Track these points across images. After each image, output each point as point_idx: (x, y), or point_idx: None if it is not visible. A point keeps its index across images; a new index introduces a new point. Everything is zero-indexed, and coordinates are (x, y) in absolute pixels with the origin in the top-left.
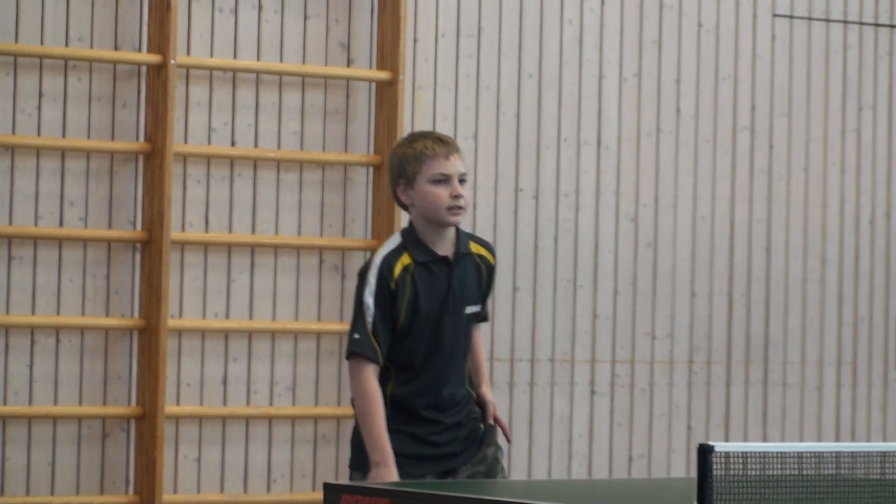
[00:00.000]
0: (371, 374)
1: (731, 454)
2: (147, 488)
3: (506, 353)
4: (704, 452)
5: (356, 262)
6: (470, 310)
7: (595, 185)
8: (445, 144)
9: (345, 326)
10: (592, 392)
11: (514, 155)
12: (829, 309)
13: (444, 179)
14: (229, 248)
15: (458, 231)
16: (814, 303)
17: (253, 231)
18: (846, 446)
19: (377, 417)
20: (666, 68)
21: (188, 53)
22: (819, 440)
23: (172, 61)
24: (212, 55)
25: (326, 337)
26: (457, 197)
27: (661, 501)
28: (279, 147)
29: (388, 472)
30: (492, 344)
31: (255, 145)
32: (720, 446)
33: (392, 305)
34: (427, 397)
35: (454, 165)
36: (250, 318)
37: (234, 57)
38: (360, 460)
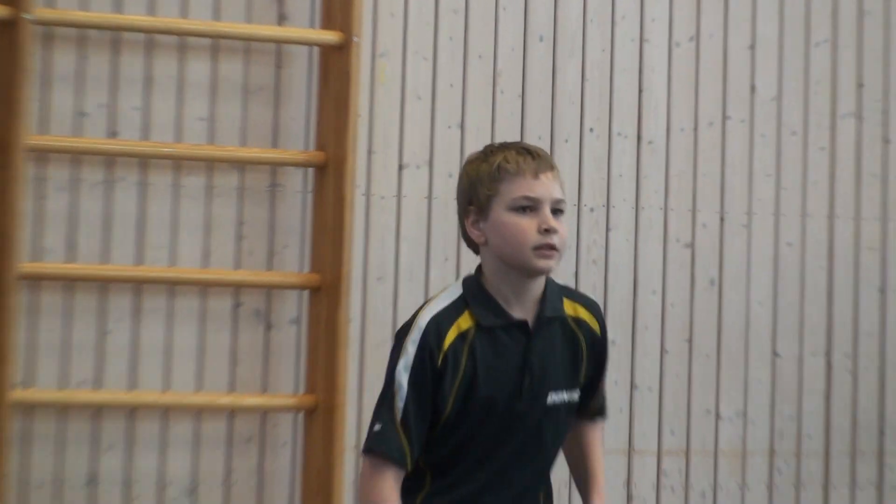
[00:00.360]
0: (392, 482)
1: None
2: None
3: None
4: None
5: (287, 308)
6: (556, 398)
7: (634, 193)
8: (535, 158)
9: (271, 401)
10: (629, 497)
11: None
12: None
13: (531, 206)
14: (104, 286)
15: (548, 283)
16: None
17: (138, 261)
18: None
19: None
20: (735, 29)
21: (51, 5)
22: None
23: (27, 15)
24: (84, 8)
25: (242, 417)
26: (548, 231)
27: None
28: (178, 139)
29: None
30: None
31: (144, 137)
32: None
33: (437, 388)
34: None
35: (546, 188)
36: (133, 387)
37: (116, 11)
38: None
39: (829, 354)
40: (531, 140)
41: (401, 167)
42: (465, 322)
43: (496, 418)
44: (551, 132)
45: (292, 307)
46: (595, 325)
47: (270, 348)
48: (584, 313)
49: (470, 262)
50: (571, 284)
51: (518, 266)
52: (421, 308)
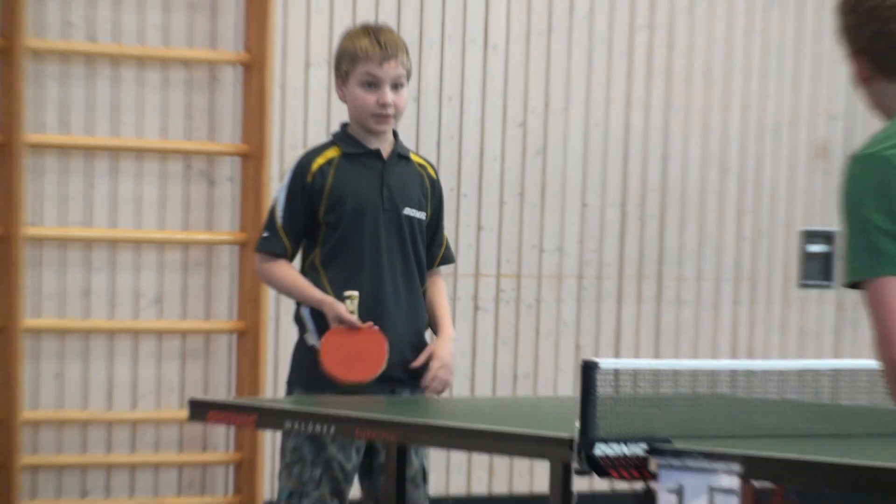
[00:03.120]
0: (280, 263)
1: (620, 371)
2: (6, 405)
3: None
4: (588, 369)
5: (225, 169)
6: (410, 212)
7: (481, 87)
8: (384, 48)
9: (213, 237)
10: (476, 308)
11: None
12: (728, 222)
13: (373, 83)
14: (89, 152)
15: (397, 137)
16: (712, 215)
17: (115, 133)
18: (742, 364)
19: (300, 283)
20: None
21: None
22: (714, 359)
23: None
24: None
25: (194, 248)
26: (384, 105)
27: (544, 420)
28: (141, 43)
29: (332, 307)
30: None
31: (116, 41)
32: (605, 363)
33: (307, 199)
34: (366, 304)
35: (387, 71)
36: (113, 226)
37: None
38: (298, 376)
39: (624, 205)
40: (407, 44)
41: (308, 64)
42: (332, 153)
43: (367, 223)
44: (420, 39)
45: (228, 169)
46: (433, 173)
47: (213, 200)
48: (426, 163)
49: None
50: (435, 154)
51: (362, 125)
52: None
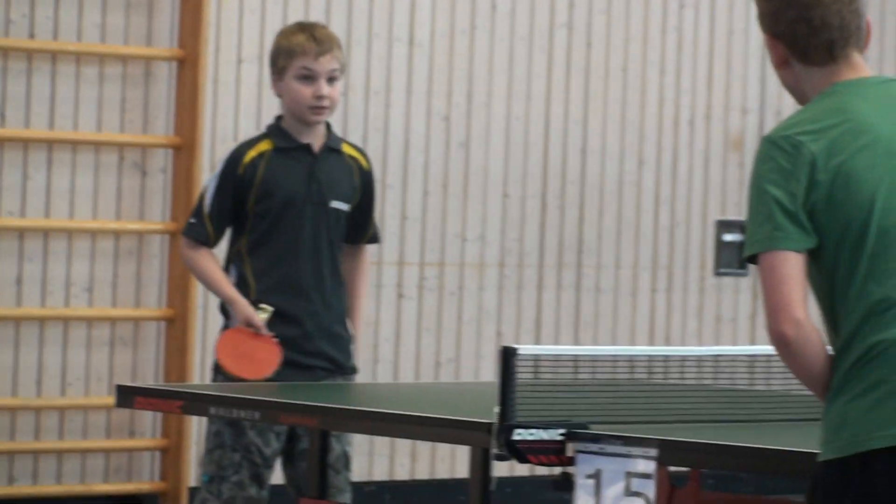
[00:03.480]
0: (202, 253)
1: (540, 358)
2: None
3: None
4: (507, 355)
5: (157, 160)
6: (338, 205)
7: (406, 82)
8: (319, 43)
9: (144, 226)
10: (400, 295)
11: None
12: (645, 212)
13: (310, 76)
14: (26, 144)
15: (329, 128)
16: (630, 205)
17: (51, 126)
18: (659, 351)
19: (217, 277)
20: None
21: None
22: (633, 346)
23: None
24: None
25: (125, 237)
26: (320, 97)
27: (465, 406)
28: (79, 40)
29: (243, 309)
30: None
31: (55, 38)
32: (523, 349)
33: (237, 190)
34: (288, 294)
35: (323, 65)
36: (46, 216)
37: None
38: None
39: (544, 196)
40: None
41: (240, 61)
42: (264, 146)
43: (294, 213)
44: (348, 35)
45: (161, 160)
46: (364, 163)
47: (145, 190)
48: (357, 154)
49: None
50: (364, 146)
51: (298, 118)
52: None
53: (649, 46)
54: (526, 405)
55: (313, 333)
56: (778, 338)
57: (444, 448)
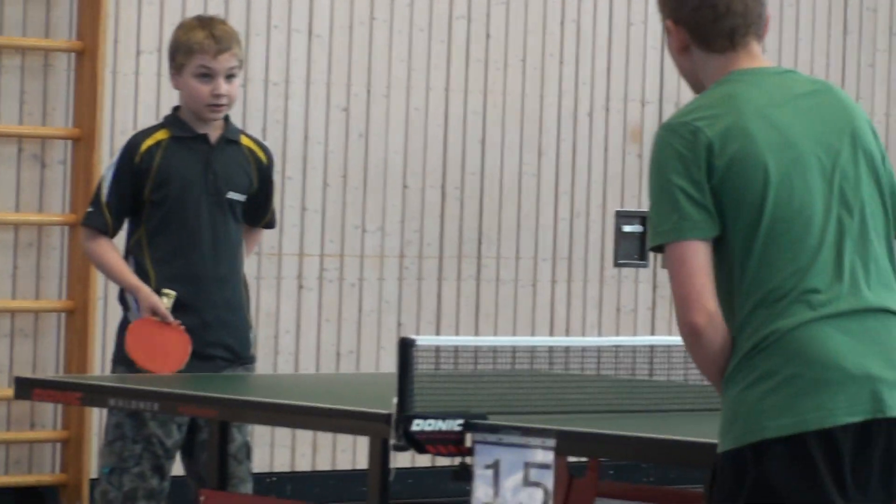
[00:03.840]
0: (102, 242)
1: (439, 349)
2: None
3: None
4: (405, 346)
5: (57, 152)
6: (234, 196)
7: (306, 73)
8: (218, 41)
9: (44, 218)
10: (300, 287)
11: None
12: (544, 203)
13: (208, 74)
14: None
15: (228, 120)
16: (529, 197)
17: None
18: (559, 341)
19: (119, 266)
20: None
21: None
22: (533, 336)
23: None
24: None
25: (25, 228)
26: (218, 96)
27: (365, 397)
28: None
29: (147, 296)
30: None
31: None
32: (421, 340)
33: (134, 179)
34: (187, 284)
35: (222, 63)
36: None
37: None
38: (122, 354)
39: (443, 187)
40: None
41: (139, 52)
42: (161, 135)
43: (191, 203)
44: (247, 27)
45: (61, 152)
46: (262, 156)
47: (44, 182)
48: (255, 147)
49: None
50: (260, 138)
51: (196, 114)
52: None
53: (548, 38)
54: (425, 396)
55: (212, 323)
56: (689, 329)
57: (345, 439)
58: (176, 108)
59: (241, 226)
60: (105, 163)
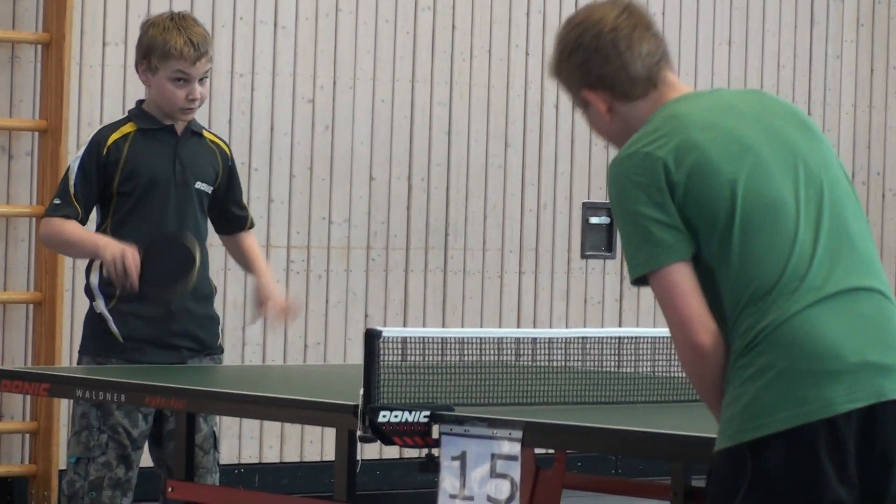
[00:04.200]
0: (57, 220)
1: (406, 340)
2: None
3: None
4: (371, 338)
5: (24, 144)
6: (201, 186)
7: (271, 65)
8: (196, 49)
9: (12, 209)
10: None
11: None
12: (511, 195)
13: (184, 79)
14: None
15: (192, 120)
16: (496, 188)
17: None
18: (526, 333)
19: (78, 232)
20: None
21: None
22: (500, 328)
23: None
24: None
25: None
26: (193, 100)
27: (332, 388)
28: None
29: (115, 247)
30: None
31: None
32: (388, 331)
33: (101, 172)
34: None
35: (198, 69)
36: None
37: None
38: (88, 345)
39: (410, 178)
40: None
41: (104, 44)
42: (127, 129)
43: (158, 193)
44: (213, 19)
45: (28, 144)
46: (226, 149)
47: (11, 174)
48: (218, 140)
49: None
50: (226, 129)
51: (168, 114)
52: None
53: (514, 29)
54: (392, 387)
55: (178, 313)
56: (696, 350)
57: (313, 430)
58: (139, 102)
59: (206, 217)
60: (72, 154)
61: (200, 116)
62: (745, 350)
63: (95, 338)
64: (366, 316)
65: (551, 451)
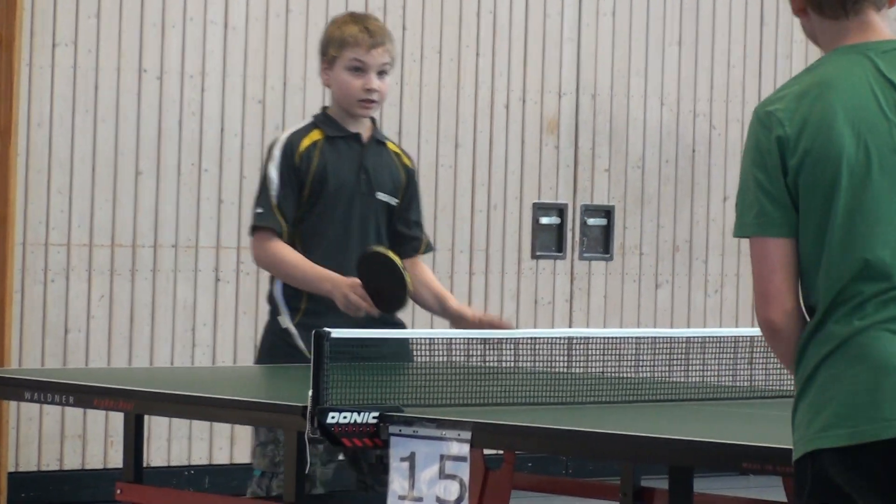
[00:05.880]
0: (277, 243)
1: (356, 341)
2: None
3: (128, 239)
4: (319, 339)
5: None
6: (383, 197)
7: (222, 66)
8: (372, 35)
9: None
10: (217, 279)
11: (139, 34)
12: (461, 195)
13: (361, 68)
14: None
15: (375, 122)
16: (446, 189)
17: None
18: (477, 333)
19: (301, 263)
20: None
21: None
22: (450, 328)
23: None
24: None
25: None
26: (370, 90)
27: (283, 389)
28: None
29: (343, 284)
30: (113, 229)
31: None
32: (336, 332)
33: (297, 179)
34: None
35: (375, 57)
36: None
37: None
38: (266, 360)
39: None
40: (149, 25)
41: (55, 45)
42: (315, 136)
43: (343, 203)
44: (163, 20)
45: None
46: (407, 161)
47: None
48: (400, 151)
49: None
50: (176, 130)
51: (346, 109)
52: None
53: (464, 29)
54: (341, 388)
55: (364, 323)
56: (766, 325)
57: None
58: (324, 108)
59: (385, 229)
60: (22, 156)
61: (150, 119)
62: (824, 357)
63: (277, 353)
64: None
65: (500, 451)
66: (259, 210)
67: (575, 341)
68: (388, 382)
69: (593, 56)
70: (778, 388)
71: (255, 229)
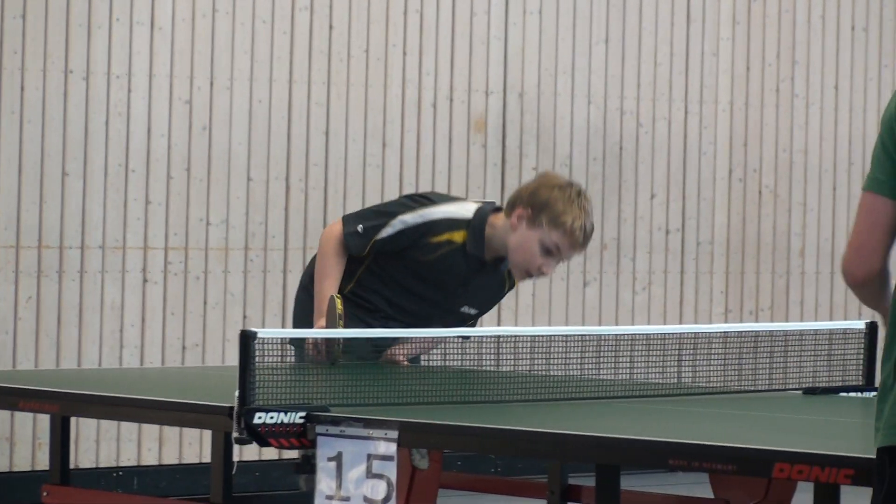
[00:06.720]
0: (343, 251)
1: (284, 341)
2: None
3: (55, 240)
4: (245, 339)
5: None
6: (466, 311)
7: (148, 66)
8: (585, 241)
9: None
10: (145, 280)
11: (65, 35)
12: (389, 194)
13: (553, 253)
14: None
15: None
16: (374, 188)
17: None
18: (407, 332)
19: (332, 272)
20: None
21: None
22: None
23: None
24: None
25: None
26: (542, 273)
27: (210, 390)
28: None
29: (320, 317)
30: (40, 230)
31: None
32: (263, 332)
33: (408, 246)
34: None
35: (570, 255)
36: None
37: None
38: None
39: (287, 179)
40: (76, 25)
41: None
42: (458, 237)
43: (428, 297)
44: (89, 20)
45: None
46: (508, 284)
47: None
48: (510, 275)
49: None
50: (103, 131)
51: (511, 263)
52: (443, 199)
53: (391, 28)
54: (268, 389)
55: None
56: (849, 277)
57: (191, 432)
58: (494, 209)
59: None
60: None
61: (77, 118)
62: None
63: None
64: (244, 317)
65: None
66: (359, 228)
67: (503, 340)
68: (314, 382)
69: (520, 54)
70: (706, 385)
71: (344, 235)
